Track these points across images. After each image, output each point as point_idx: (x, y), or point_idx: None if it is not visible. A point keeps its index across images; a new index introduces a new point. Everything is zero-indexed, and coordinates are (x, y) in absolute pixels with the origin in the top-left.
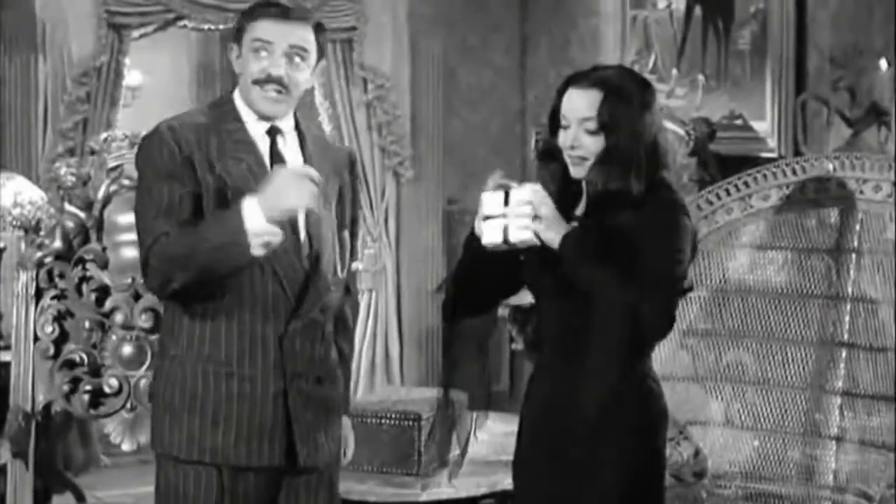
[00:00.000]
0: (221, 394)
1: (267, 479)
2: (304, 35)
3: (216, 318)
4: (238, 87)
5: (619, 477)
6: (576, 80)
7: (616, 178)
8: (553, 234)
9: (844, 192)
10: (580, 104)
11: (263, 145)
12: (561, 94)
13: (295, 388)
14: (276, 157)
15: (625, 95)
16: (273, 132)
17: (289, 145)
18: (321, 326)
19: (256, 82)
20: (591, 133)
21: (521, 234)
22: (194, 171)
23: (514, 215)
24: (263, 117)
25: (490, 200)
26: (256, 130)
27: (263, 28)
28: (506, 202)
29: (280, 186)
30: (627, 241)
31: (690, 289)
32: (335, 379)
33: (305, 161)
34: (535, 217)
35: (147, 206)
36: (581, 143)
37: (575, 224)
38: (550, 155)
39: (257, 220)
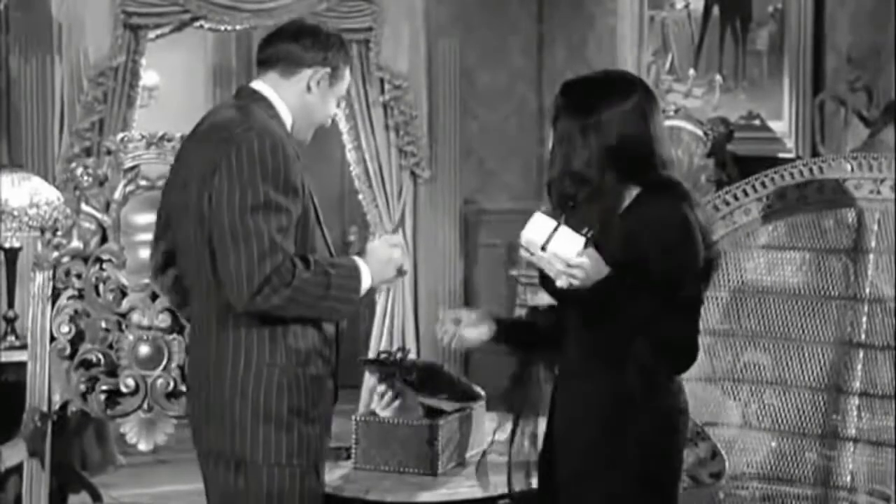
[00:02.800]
0: (314, 396)
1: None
2: None
3: (304, 325)
4: (282, 95)
5: (635, 480)
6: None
7: (569, 185)
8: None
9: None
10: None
11: None
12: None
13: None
14: None
15: (569, 104)
16: None
17: None
18: None
19: (323, 123)
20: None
21: (559, 281)
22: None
23: (550, 261)
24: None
25: (534, 233)
26: None
27: (347, 81)
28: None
29: (388, 258)
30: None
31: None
32: None
33: None
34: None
35: (272, 216)
36: None
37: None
38: None
39: (367, 283)
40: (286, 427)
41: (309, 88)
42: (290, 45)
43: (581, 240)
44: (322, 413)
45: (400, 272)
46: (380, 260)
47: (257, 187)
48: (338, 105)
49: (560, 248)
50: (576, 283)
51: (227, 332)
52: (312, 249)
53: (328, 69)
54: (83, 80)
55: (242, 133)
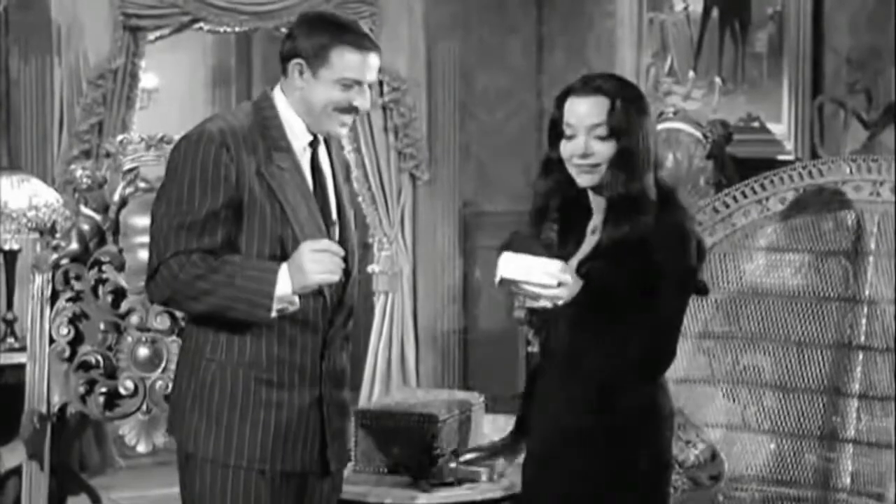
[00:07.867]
0: (262, 400)
1: (298, 483)
2: (377, 65)
3: (258, 326)
4: (287, 95)
5: (617, 482)
6: (575, 89)
7: (632, 180)
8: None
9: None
10: (587, 112)
11: (303, 156)
12: (560, 104)
13: (328, 396)
14: (316, 168)
15: (629, 100)
16: (315, 143)
17: (322, 155)
18: (348, 335)
19: (339, 110)
20: (603, 139)
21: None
22: (238, 178)
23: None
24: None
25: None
26: (297, 140)
27: (354, 65)
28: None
29: (307, 262)
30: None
31: (706, 291)
32: (348, 383)
33: (333, 169)
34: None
35: (174, 210)
36: (593, 150)
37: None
38: (550, 167)
39: (285, 289)
40: (216, 422)
41: (295, 83)
42: (284, 42)
43: (557, 262)
44: (278, 419)
45: (327, 277)
46: (295, 265)
47: (172, 182)
48: (347, 88)
49: (539, 276)
50: (561, 301)
51: (188, 321)
52: (262, 250)
53: (300, 60)
54: (82, 82)
55: (192, 131)
